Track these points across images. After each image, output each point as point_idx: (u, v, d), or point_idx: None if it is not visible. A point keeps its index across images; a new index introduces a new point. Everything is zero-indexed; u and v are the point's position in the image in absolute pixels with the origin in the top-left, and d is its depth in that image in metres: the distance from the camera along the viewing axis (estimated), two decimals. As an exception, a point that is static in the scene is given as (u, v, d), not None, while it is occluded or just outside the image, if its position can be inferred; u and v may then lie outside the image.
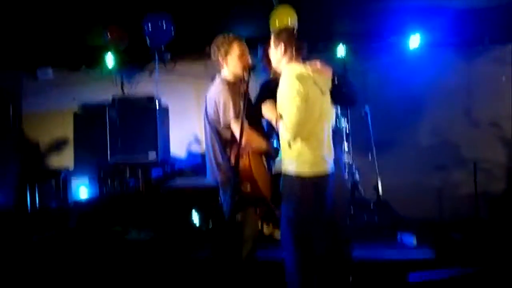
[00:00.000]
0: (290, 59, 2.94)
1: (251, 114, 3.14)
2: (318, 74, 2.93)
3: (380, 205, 4.91)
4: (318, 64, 3.00)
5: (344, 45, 5.72)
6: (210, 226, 4.68)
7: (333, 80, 2.99)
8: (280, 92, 2.84)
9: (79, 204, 6.10)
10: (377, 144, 5.12)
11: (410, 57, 5.82)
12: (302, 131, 2.75)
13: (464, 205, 5.54)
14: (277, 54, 2.97)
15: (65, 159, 6.67)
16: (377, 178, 4.93)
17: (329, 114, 3.01)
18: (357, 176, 5.05)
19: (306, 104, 2.74)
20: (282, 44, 2.92)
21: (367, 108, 5.09)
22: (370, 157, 5.03)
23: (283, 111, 2.79)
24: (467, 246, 4.45)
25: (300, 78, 2.79)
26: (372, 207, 4.93)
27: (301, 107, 2.72)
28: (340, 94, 3.03)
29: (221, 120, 3.03)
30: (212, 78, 3.30)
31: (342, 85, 3.03)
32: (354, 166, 5.19)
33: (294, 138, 2.76)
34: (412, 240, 4.31)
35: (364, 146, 5.19)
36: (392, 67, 5.92)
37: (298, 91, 2.73)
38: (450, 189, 5.91)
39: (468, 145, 5.86)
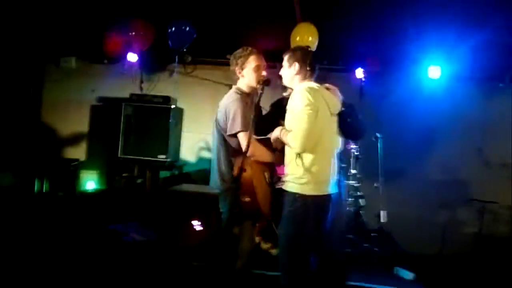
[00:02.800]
0: (304, 77, 2.96)
1: (260, 127, 3.18)
2: (329, 94, 2.95)
3: (381, 234, 4.86)
4: (330, 86, 3.02)
5: (364, 68, 5.70)
6: (209, 234, 4.69)
7: (342, 106, 2.99)
8: (290, 106, 2.85)
9: (86, 196, 6.17)
10: (384, 172, 5.08)
11: (428, 87, 5.78)
12: (310, 143, 2.74)
13: (467, 244, 5.48)
14: (290, 72, 2.99)
15: (78, 150, 6.77)
16: (380, 207, 4.88)
17: (336, 136, 3.01)
18: (361, 201, 5.01)
19: (315, 118, 2.75)
20: (296, 63, 2.95)
21: (378, 134, 5.05)
22: (376, 184, 4.98)
23: (293, 122, 2.79)
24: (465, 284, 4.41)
25: (312, 91, 2.81)
26: (372, 235, 4.89)
27: (312, 116, 2.72)
28: (345, 124, 3.02)
29: (228, 129, 3.07)
30: (230, 86, 3.37)
31: (349, 114, 3.03)
32: (359, 191, 5.17)
33: (303, 150, 2.75)
34: (408, 274, 4.27)
35: (372, 172, 5.15)
36: (409, 95, 5.88)
37: (310, 102, 2.74)
38: (454, 227, 5.85)
39: (476, 184, 5.80)
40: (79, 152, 6.75)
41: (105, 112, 6.69)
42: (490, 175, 5.80)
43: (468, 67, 5.51)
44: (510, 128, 5.79)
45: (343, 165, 4.70)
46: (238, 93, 3.17)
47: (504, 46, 5.12)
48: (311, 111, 2.73)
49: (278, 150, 3.03)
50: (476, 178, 5.83)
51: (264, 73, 3.23)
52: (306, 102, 2.75)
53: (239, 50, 3.26)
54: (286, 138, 2.84)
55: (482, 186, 5.74)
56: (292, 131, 2.78)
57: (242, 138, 2.99)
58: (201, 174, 6.29)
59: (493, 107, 5.89)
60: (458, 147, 5.87)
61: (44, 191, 5.95)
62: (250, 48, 3.24)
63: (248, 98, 3.20)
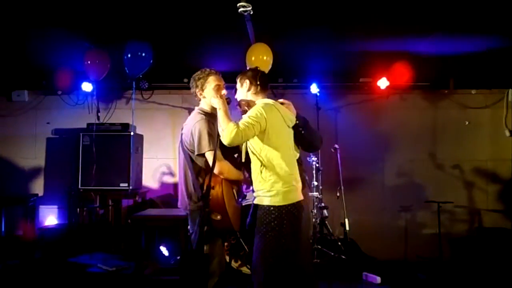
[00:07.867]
0: (256, 93, 3.11)
1: (225, 146, 3.24)
2: (284, 109, 3.10)
3: (347, 242, 4.99)
4: (284, 101, 3.17)
5: (317, 83, 5.92)
6: (178, 258, 4.65)
7: (296, 119, 3.13)
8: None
9: (46, 232, 5.96)
10: (344, 182, 5.25)
11: (379, 98, 6.10)
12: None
13: (428, 245, 5.72)
14: (242, 90, 3.15)
15: (35, 184, 6.57)
16: (344, 215, 5.04)
17: (294, 147, 3.14)
18: (325, 212, 5.15)
19: (256, 130, 2.87)
20: (247, 80, 3.11)
21: (336, 145, 5.24)
22: (338, 194, 5.15)
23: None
24: (430, 285, 4.58)
25: (267, 106, 2.96)
26: (338, 244, 5.01)
27: (255, 127, 2.84)
28: (300, 135, 3.15)
29: (196, 149, 3.11)
30: (188, 109, 3.41)
31: (303, 126, 3.17)
32: (323, 202, 5.30)
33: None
34: (376, 279, 4.39)
35: (333, 182, 5.33)
36: (362, 107, 6.18)
37: (259, 115, 2.87)
38: (414, 229, 6.13)
39: (431, 186, 6.12)
40: (37, 187, 6.56)
41: (62, 144, 6.54)
42: (443, 176, 6.14)
43: (414, 77, 5.83)
44: (458, 131, 6.19)
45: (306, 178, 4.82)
46: (201, 114, 3.23)
47: (445, 55, 5.46)
48: (257, 122, 2.86)
49: (245, 170, 3.10)
50: (431, 180, 6.14)
51: (224, 92, 3.30)
52: (256, 114, 2.89)
53: (198, 72, 3.33)
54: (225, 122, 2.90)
55: (437, 188, 6.06)
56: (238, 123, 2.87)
57: (210, 157, 3.04)
58: (165, 198, 6.25)
59: (440, 112, 6.28)
60: (411, 152, 6.20)
61: (3, 230, 5.71)
62: (208, 69, 3.33)
63: (212, 118, 3.26)
